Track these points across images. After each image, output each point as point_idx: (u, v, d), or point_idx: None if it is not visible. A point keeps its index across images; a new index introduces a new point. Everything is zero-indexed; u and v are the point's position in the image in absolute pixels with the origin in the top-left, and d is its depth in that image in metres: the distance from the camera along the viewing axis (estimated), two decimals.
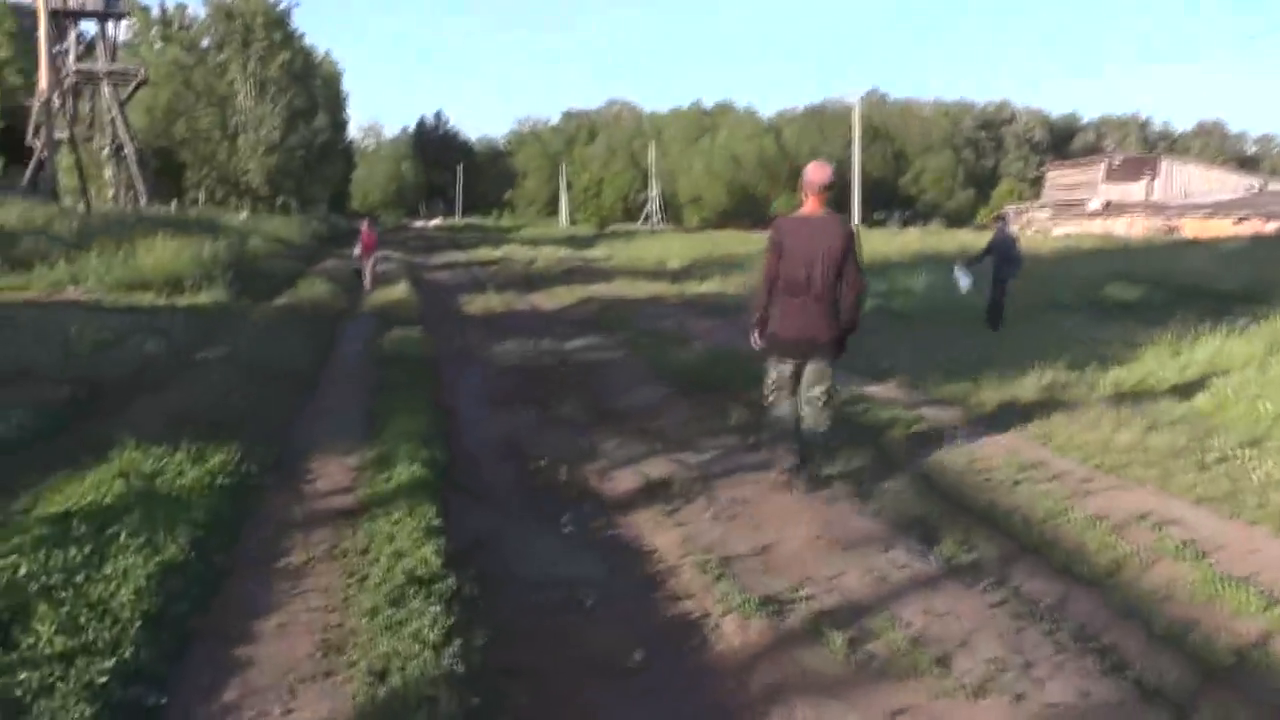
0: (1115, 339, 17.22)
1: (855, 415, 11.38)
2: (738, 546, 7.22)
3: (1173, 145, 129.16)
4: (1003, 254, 19.66)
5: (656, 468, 9.35)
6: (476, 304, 24.82)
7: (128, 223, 33.60)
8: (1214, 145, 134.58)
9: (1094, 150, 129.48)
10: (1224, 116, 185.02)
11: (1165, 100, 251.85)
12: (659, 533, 7.63)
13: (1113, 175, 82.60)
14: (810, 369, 8.64)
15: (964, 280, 19.54)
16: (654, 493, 8.61)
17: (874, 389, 13.02)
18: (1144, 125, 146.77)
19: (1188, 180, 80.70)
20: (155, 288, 21.65)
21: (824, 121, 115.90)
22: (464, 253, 50.82)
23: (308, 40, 67.70)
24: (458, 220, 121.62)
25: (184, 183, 63.62)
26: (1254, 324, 16.71)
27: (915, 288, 24.79)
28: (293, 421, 10.92)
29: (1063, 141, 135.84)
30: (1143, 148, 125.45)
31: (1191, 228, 67.40)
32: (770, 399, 8.92)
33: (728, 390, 12.64)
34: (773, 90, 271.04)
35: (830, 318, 8.41)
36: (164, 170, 63.15)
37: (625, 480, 9.04)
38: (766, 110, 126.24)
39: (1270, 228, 61.95)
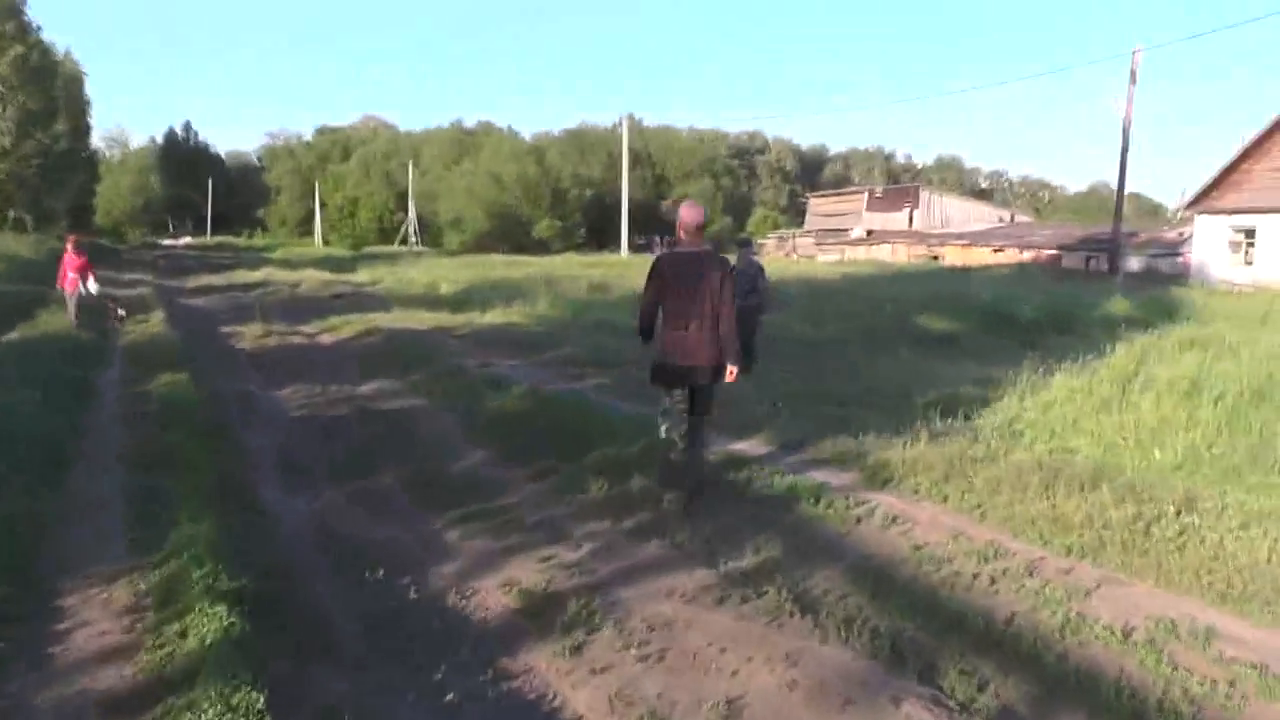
0: (960, 378, 15.89)
1: (743, 483, 9.72)
2: (693, 707, 5.43)
3: (914, 177, 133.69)
4: (747, 284, 16.58)
5: (529, 573, 7.46)
6: (246, 337, 22.11)
7: None
8: (952, 179, 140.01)
9: (843, 180, 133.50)
10: (959, 152, 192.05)
11: (906, 135, 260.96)
12: (574, 688, 5.72)
13: (875, 205, 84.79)
14: (697, 394, 9.16)
15: None
16: (541, 615, 6.69)
17: (741, 446, 11.23)
18: (889, 158, 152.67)
19: (945, 210, 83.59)
20: None
21: (585, 144, 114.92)
22: (220, 276, 47.22)
23: (45, 36, 60.32)
24: (209, 239, 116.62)
25: None
26: (1086, 357, 15.46)
27: None
28: (37, 525, 8.24)
29: (813, 171, 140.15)
30: (886, 179, 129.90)
31: (953, 255, 69.95)
32: (664, 428, 9.25)
33: (572, 449, 10.87)
34: (531, 112, 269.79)
35: (713, 345, 8.93)
36: None
37: (494, 596, 7.10)
38: (527, 132, 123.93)
39: (1026, 256, 64.68)
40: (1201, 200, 49.77)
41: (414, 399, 14.61)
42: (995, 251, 68.83)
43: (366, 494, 9.70)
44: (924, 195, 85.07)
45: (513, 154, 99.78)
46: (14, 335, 19.04)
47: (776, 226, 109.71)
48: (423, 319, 25.74)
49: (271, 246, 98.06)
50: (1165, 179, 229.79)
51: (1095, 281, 44.57)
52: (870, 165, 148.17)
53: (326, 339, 22.19)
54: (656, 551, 7.93)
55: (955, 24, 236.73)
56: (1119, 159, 48.99)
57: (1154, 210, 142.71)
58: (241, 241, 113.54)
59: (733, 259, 16.00)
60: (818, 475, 9.88)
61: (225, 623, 5.78)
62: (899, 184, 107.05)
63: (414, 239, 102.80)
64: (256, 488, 9.81)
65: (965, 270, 54.70)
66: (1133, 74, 47.62)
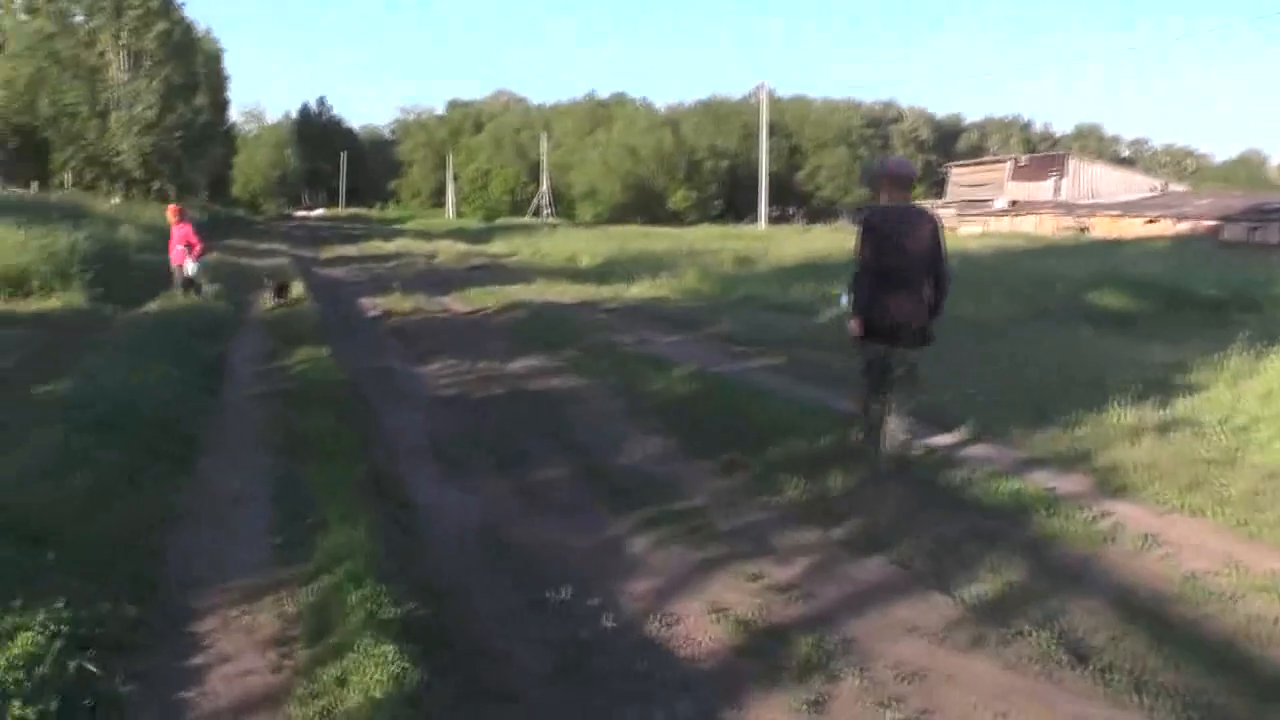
0: (1152, 362, 14.33)
1: (958, 486, 8.37)
2: None
3: (1053, 146, 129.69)
4: None
5: (737, 595, 6.23)
6: (384, 308, 21.13)
7: None
8: (1092, 147, 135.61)
9: (978, 150, 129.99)
10: (1099, 120, 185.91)
11: (1044, 103, 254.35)
12: None
13: (1019, 174, 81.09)
14: (898, 354, 8.96)
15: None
16: (763, 654, 5.46)
17: (944, 440, 9.84)
18: (1025, 127, 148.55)
19: (1094, 180, 79.88)
20: None
21: (719, 115, 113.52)
22: (354, 246, 46.77)
23: (186, 14, 61.28)
24: (341, 210, 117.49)
25: (50, 165, 58.03)
26: None
27: None
28: (165, 525, 7.11)
29: (948, 141, 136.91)
30: (1024, 148, 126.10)
31: (1102, 226, 66.73)
32: (865, 386, 9.20)
33: (753, 439, 9.69)
34: (664, 84, 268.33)
35: (921, 305, 8.88)
36: (25, 150, 57.79)
37: (702, 625, 5.86)
38: (661, 103, 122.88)
39: (1182, 227, 61.34)
40: None
41: (570, 378, 13.43)
42: (1148, 223, 65.59)
43: (531, 489, 8.53)
44: (1071, 164, 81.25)
45: (648, 125, 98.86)
46: (153, 306, 18.17)
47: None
48: (567, 292, 24.67)
49: (404, 218, 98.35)
50: None
51: (1267, 254, 41.95)
52: (1007, 134, 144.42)
53: (467, 311, 21.16)
54: (879, 571, 6.65)
55: None
56: None
57: None
58: (374, 213, 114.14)
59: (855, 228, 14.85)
60: (1039, 478, 8.55)
61: (393, 669, 4.61)
62: (1036, 153, 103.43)
63: (547, 211, 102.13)
64: (408, 479, 8.69)
65: (1119, 243, 52.22)
66: None
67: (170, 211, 21.27)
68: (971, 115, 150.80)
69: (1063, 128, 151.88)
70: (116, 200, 49.89)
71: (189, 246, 19.20)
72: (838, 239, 49.83)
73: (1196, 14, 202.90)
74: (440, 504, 8.05)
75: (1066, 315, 20.81)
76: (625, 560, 6.85)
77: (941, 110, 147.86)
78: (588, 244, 43.88)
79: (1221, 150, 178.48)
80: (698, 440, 9.94)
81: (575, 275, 29.75)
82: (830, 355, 14.25)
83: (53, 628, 4.84)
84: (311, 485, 7.78)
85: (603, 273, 30.80)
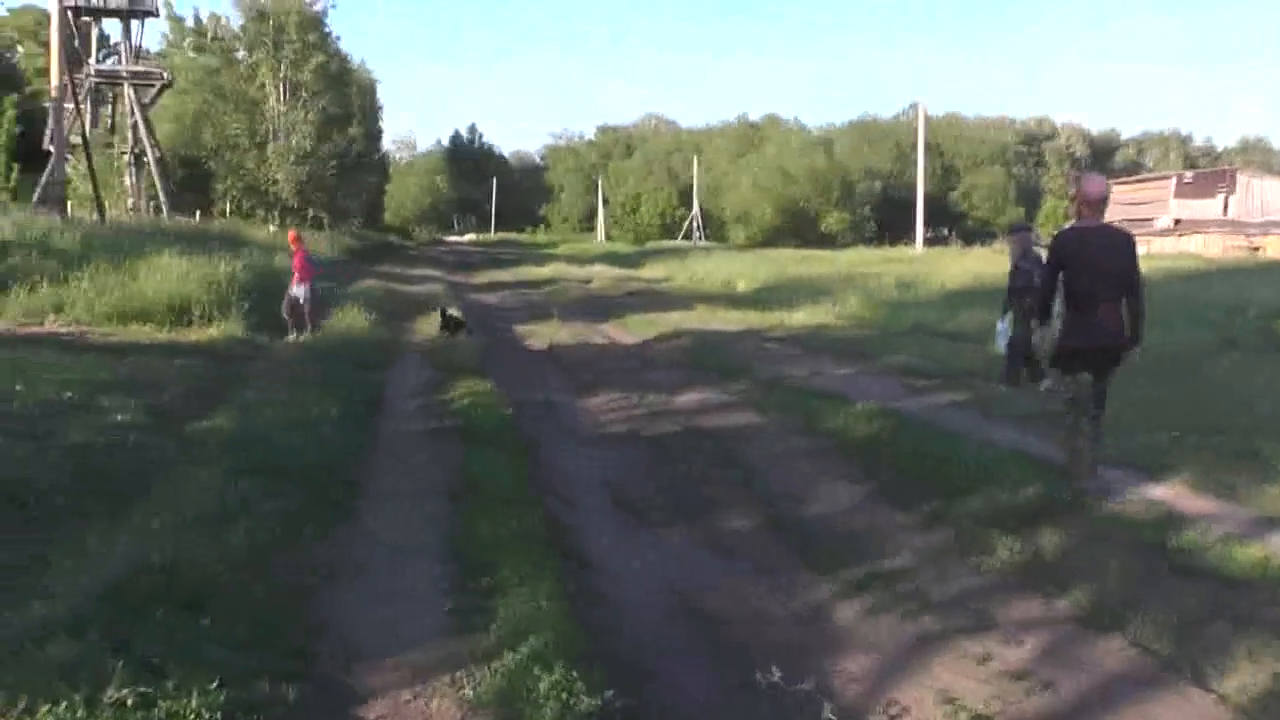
0: None
1: (1188, 550, 7.28)
2: None
3: (1215, 161, 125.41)
4: (1023, 279, 14.06)
5: (968, 683, 5.48)
6: (541, 336, 20.70)
7: (142, 235, 29.55)
8: (1258, 162, 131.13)
9: (1135, 166, 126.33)
10: (1266, 133, 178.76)
11: (1204, 116, 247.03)
12: None
13: (1183, 191, 77.59)
14: (1099, 381, 8.82)
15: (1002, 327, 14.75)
16: None
17: (1160, 492, 8.80)
18: (1185, 141, 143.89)
19: (1266, 195, 75.81)
20: (157, 317, 17.66)
21: (870, 136, 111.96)
22: (507, 271, 46.70)
23: (343, 46, 62.92)
24: (491, 235, 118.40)
25: (211, 194, 59.53)
26: None
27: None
28: (326, 583, 6.48)
29: (1104, 157, 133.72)
30: (1184, 164, 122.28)
31: (1276, 247, 63.46)
32: (1071, 416, 8.91)
33: (953, 489, 8.85)
34: (814, 105, 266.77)
35: (1120, 326, 8.61)
36: (190, 180, 59.16)
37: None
38: (812, 124, 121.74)
39: None
40: None
41: (744, 415, 12.69)
42: None
43: (720, 542, 7.82)
44: (1241, 179, 77.26)
45: (800, 147, 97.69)
46: (306, 335, 17.90)
47: (1067, 217, 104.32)
48: (728, 319, 23.98)
49: (554, 243, 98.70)
50: None
51: None
52: (1166, 149, 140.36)
53: (628, 340, 20.54)
54: (1120, 655, 5.75)
55: None
56: None
57: None
58: (524, 238, 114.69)
59: (1007, 247, 14.34)
60: None
61: None
62: (1197, 168, 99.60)
63: (698, 234, 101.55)
64: (586, 531, 8.02)
65: None
66: None
67: (289, 238, 20.92)
68: (1128, 130, 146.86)
69: (1225, 141, 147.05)
70: (273, 228, 50.60)
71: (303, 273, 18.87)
72: (1000, 261, 48.46)
73: None
74: (625, 562, 7.34)
75: (1260, 346, 19.43)
76: (833, 633, 6.10)
77: (1097, 126, 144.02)
78: (743, 268, 43.16)
79: None
80: (890, 488, 9.16)
81: (734, 301, 29.05)
82: (1014, 389, 13.62)
83: (207, 716, 4.24)
84: (483, 539, 7.10)
85: (762, 298, 30.04)
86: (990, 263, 46.87)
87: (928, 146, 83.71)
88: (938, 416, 12.24)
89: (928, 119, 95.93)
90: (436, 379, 14.22)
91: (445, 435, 10.67)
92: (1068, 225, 9.44)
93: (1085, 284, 8.50)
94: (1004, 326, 14.43)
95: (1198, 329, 20.97)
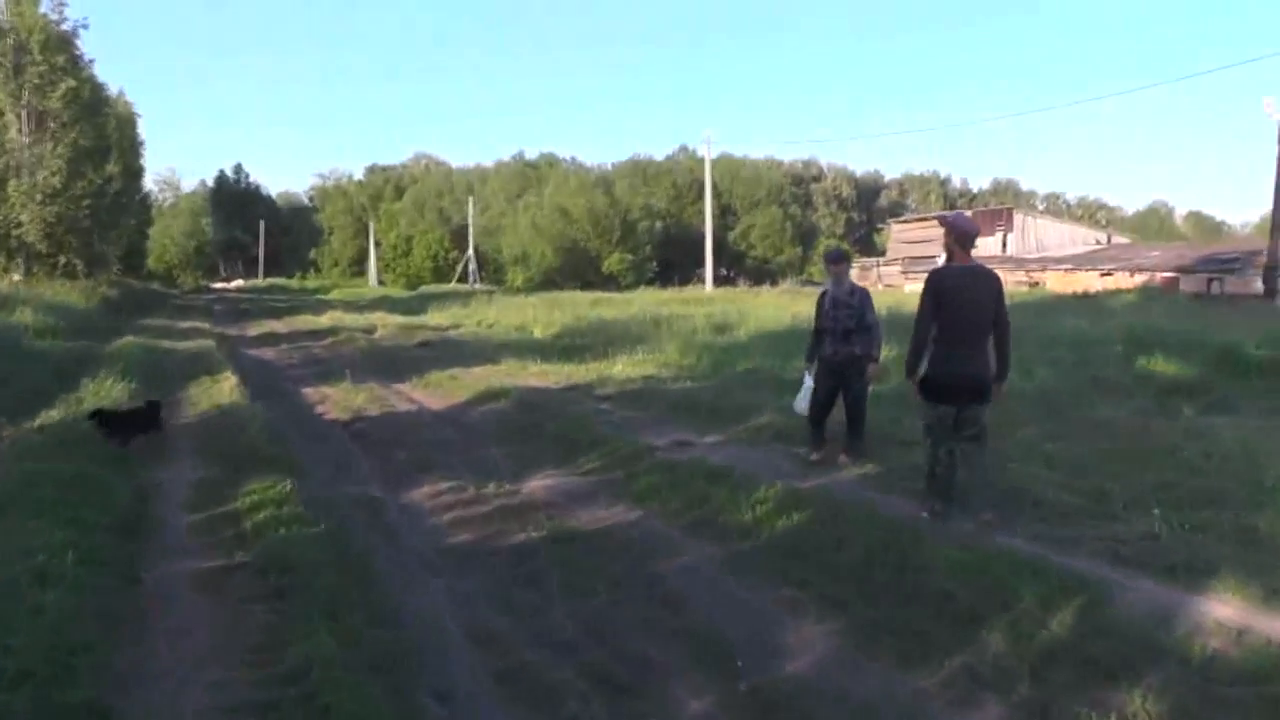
0: None
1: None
2: None
3: (971, 202, 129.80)
4: (849, 317, 11.65)
5: None
6: (335, 402, 17.39)
7: None
8: (1008, 203, 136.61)
9: (899, 207, 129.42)
10: (1015, 176, 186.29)
11: (959, 160, 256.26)
12: None
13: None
14: (969, 413, 8.97)
15: (809, 383, 12.21)
16: None
17: (1212, 607, 6.85)
18: (944, 183, 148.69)
19: (1040, 234, 78.90)
20: None
21: (647, 175, 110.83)
22: (282, 321, 42.69)
23: (99, 72, 55.61)
24: (260, 281, 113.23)
25: None
26: None
27: None
28: None
29: (869, 198, 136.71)
30: (944, 205, 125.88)
31: (1055, 281, 65.43)
32: (929, 443, 9.22)
33: (954, 617, 6.83)
34: (587, 144, 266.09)
35: (986, 364, 8.96)
36: None
37: None
38: (590, 162, 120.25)
39: (1137, 280, 59.97)
40: None
41: (618, 507, 9.96)
42: (1103, 276, 64.18)
43: None
44: (1018, 218, 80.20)
45: (579, 186, 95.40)
46: (54, 413, 13.94)
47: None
48: (544, 374, 21.14)
49: (325, 288, 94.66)
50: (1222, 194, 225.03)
51: (1238, 306, 40.19)
52: (926, 190, 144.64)
53: (437, 404, 17.47)
54: None
55: (1005, 48, 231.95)
56: (1276, 166, 43.38)
57: (1216, 228, 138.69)
58: (295, 283, 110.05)
59: (884, 276, 12.00)
60: None
61: None
62: (956, 208, 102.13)
63: (474, 277, 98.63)
64: None
65: (1086, 297, 50.08)
66: None
67: None
68: (891, 172, 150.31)
69: (979, 183, 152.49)
70: (17, 277, 45.36)
71: None
72: (803, 302, 46.90)
73: (1103, 74, 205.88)
74: None
75: (1128, 386, 17.78)
76: None
77: (861, 167, 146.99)
78: (535, 313, 40.51)
79: (1129, 202, 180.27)
80: (871, 623, 6.69)
81: (539, 351, 26.14)
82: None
83: None
84: None
85: (567, 347, 27.26)
86: (795, 302, 45.47)
87: (705, 186, 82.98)
88: (862, 498, 9.81)
89: (698, 159, 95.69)
90: (218, 477, 10.74)
91: (241, 582, 7.46)
92: (940, 264, 9.52)
93: (957, 321, 8.85)
94: (809, 382, 12.00)
95: (1057, 370, 19.31)
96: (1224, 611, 6.83)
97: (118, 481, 10.08)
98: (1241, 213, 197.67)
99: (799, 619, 6.85)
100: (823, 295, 12.01)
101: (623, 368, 21.45)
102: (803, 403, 12.00)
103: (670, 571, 7.87)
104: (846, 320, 11.50)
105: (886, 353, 13.26)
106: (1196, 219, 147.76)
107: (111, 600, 6.88)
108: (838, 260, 12.19)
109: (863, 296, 11.71)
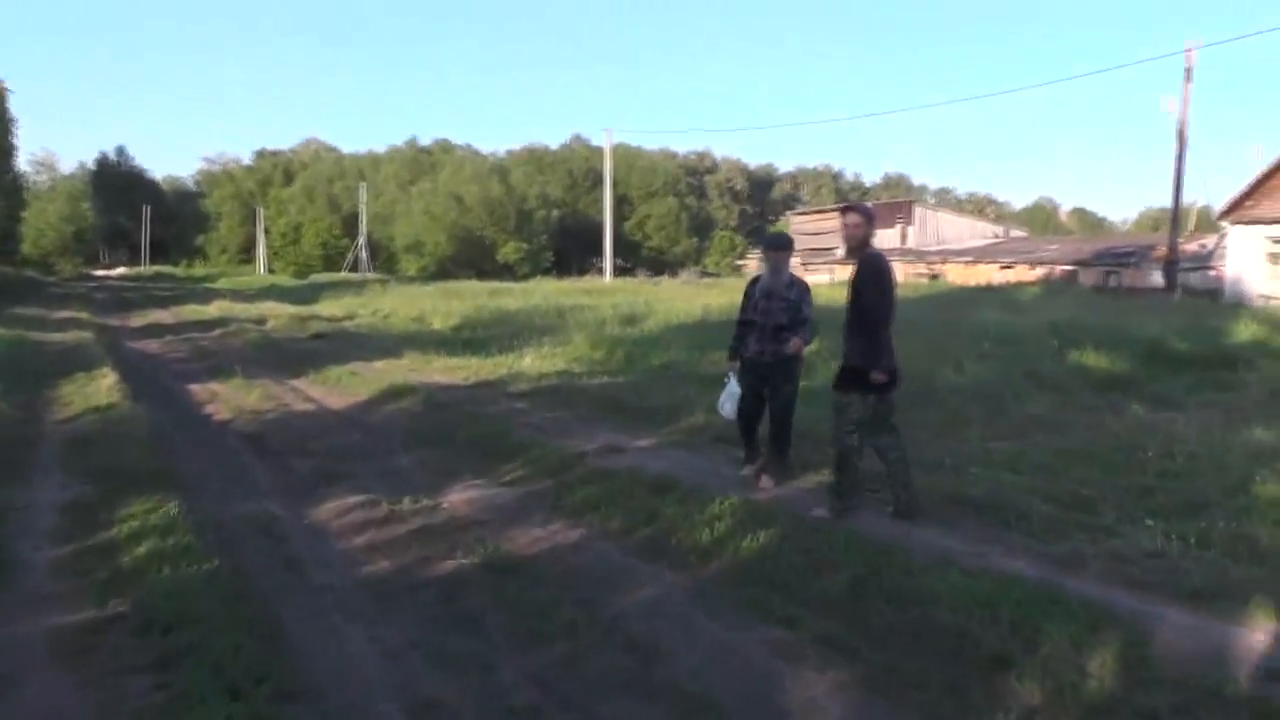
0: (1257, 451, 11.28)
1: None
2: None
3: (862, 195, 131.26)
4: (787, 312, 10.20)
5: None
6: (227, 402, 15.92)
7: None
8: (901, 197, 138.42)
9: (791, 200, 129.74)
10: (905, 170, 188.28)
11: (851, 154, 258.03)
12: None
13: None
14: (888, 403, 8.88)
15: (733, 384, 10.62)
16: None
17: (1255, 640, 6.06)
18: (836, 176, 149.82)
19: (939, 227, 79.32)
20: None
21: (543, 164, 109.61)
22: (168, 311, 40.74)
23: None
24: (145, 269, 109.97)
25: None
26: None
27: None
28: None
29: (762, 190, 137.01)
30: (835, 197, 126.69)
31: (955, 273, 65.72)
32: (856, 437, 8.82)
33: (982, 665, 5.78)
34: (481, 132, 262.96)
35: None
36: None
37: None
38: (485, 149, 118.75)
39: (1038, 273, 60.37)
40: (1235, 209, 44.79)
41: (554, 525, 8.75)
42: (1003, 269, 64.45)
43: None
44: (918, 211, 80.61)
45: (474, 174, 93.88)
46: None
47: (734, 247, 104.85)
48: (451, 369, 19.88)
49: (213, 276, 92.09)
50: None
51: (1137, 299, 40.97)
52: (819, 184, 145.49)
53: (338, 402, 16.12)
54: None
55: (896, 41, 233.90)
56: (1175, 164, 43.81)
57: (1099, 224, 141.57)
58: (180, 271, 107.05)
59: (755, 267, 10.70)
60: None
61: None
62: (845, 201, 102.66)
63: (366, 265, 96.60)
64: None
65: (990, 289, 50.27)
66: (1188, 72, 42.68)
67: None
68: (784, 165, 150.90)
69: (872, 178, 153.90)
70: None
71: None
72: (709, 293, 45.98)
73: (991, 71, 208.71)
74: None
75: (1063, 381, 17.14)
76: None
77: (754, 160, 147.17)
78: (433, 303, 39.24)
79: (1016, 198, 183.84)
80: (885, 672, 5.67)
81: (442, 343, 24.84)
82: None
83: None
84: None
85: (470, 339, 26.01)
86: (700, 293, 44.61)
87: (600, 176, 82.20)
88: (865, 528, 8.71)
89: (595, 148, 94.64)
90: (92, 497, 9.23)
91: (116, 644, 5.97)
92: (870, 250, 8.86)
93: (892, 308, 8.73)
94: (733, 383, 10.48)
95: (987, 364, 18.65)
96: (1266, 646, 5.96)
97: None
98: (1121, 209, 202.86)
99: (797, 668, 5.74)
100: (753, 283, 10.58)
101: (532, 362, 20.29)
102: (727, 405, 10.50)
103: (633, 608, 6.70)
104: (779, 314, 10.03)
105: (815, 346, 12.27)
106: (1081, 215, 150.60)
107: None
108: (779, 247, 10.61)
109: (801, 290, 10.26)
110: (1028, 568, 7.37)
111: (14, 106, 68.50)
